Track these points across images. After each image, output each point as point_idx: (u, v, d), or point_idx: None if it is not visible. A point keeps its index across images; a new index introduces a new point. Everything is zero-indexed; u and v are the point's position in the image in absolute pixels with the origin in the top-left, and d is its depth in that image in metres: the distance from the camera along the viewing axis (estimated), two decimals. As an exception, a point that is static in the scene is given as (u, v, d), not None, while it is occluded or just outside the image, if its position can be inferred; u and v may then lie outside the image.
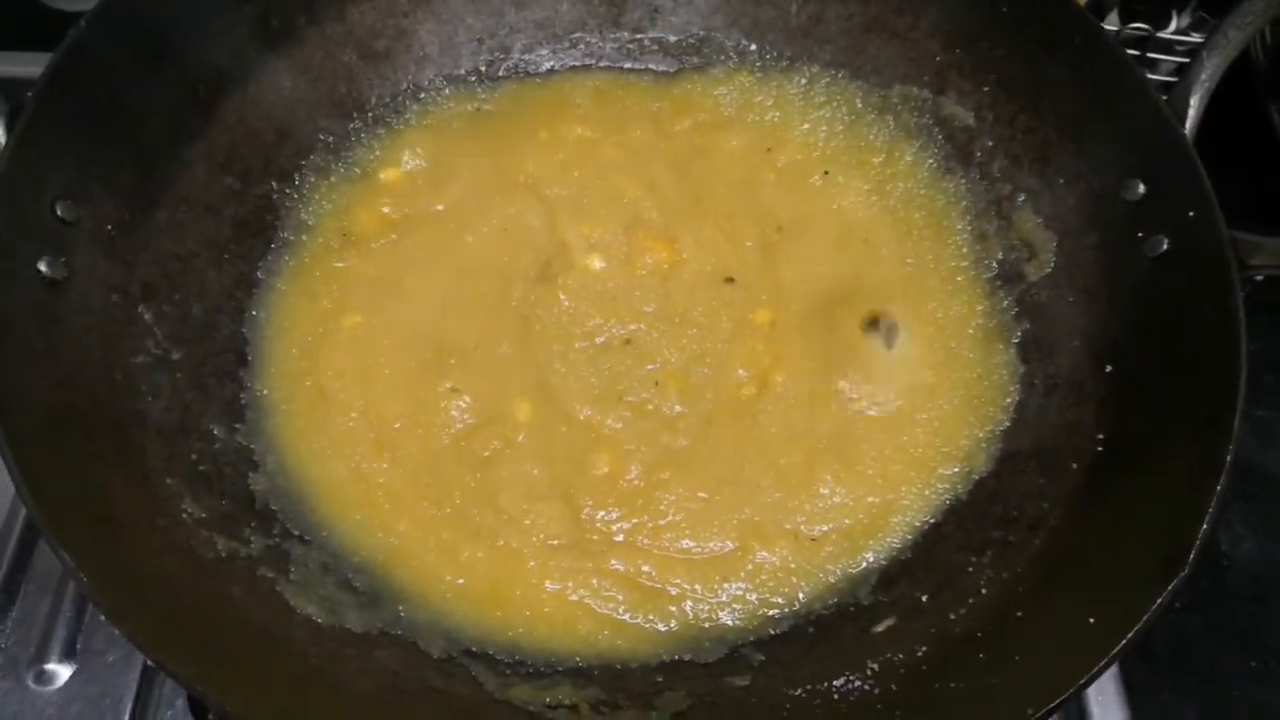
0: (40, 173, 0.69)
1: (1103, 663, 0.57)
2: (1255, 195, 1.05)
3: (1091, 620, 0.60)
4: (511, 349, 0.84)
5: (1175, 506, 0.63)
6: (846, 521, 0.79)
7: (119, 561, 0.61)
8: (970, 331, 0.85)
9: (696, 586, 0.76)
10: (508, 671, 0.71)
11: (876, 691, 0.66)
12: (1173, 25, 1.15)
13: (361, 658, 0.68)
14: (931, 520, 0.79)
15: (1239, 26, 0.75)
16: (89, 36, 0.73)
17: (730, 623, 0.75)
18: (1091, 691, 0.79)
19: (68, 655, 0.77)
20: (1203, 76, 0.76)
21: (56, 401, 0.66)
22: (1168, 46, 1.13)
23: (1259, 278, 1.04)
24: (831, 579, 0.77)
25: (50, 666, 0.76)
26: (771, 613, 0.76)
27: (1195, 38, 1.13)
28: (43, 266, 0.68)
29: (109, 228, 0.74)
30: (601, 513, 0.79)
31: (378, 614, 0.72)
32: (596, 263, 0.89)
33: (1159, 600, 0.58)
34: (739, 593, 0.76)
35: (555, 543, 0.77)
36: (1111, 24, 1.13)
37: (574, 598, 0.75)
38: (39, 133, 0.69)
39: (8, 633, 0.77)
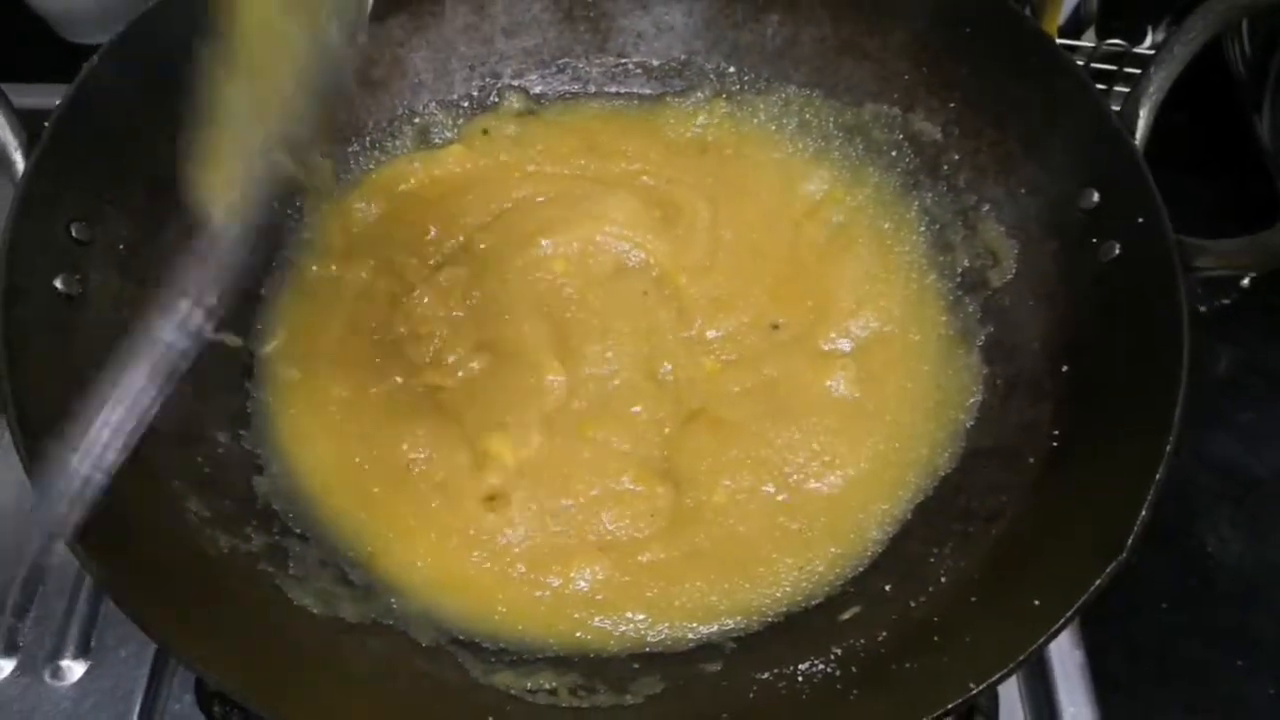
0: (56, 196, 0.74)
1: (1040, 641, 0.60)
2: (1236, 197, 1.11)
3: (1036, 603, 0.64)
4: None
5: (1118, 497, 0.66)
6: (822, 519, 0.82)
7: (129, 556, 0.65)
8: (936, 337, 0.89)
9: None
10: (492, 659, 0.75)
11: (837, 674, 0.70)
12: (1148, 41, 1.17)
13: (355, 645, 0.72)
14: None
15: (1184, 43, 0.79)
16: (102, 70, 0.77)
17: (706, 628, 0.78)
18: (1063, 698, 0.81)
19: (82, 652, 0.81)
20: (1151, 90, 0.80)
21: (70, 410, 0.71)
22: (1144, 62, 1.15)
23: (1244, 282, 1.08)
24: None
25: (65, 663, 0.80)
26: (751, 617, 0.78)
27: (1170, 53, 1.15)
28: (59, 283, 0.72)
29: (121, 247, 0.78)
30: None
31: (371, 605, 0.76)
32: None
33: (1096, 583, 0.61)
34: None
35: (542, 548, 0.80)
36: (1088, 40, 1.15)
37: (555, 600, 0.78)
38: (55, 159, 0.73)
39: (26, 632, 0.81)
